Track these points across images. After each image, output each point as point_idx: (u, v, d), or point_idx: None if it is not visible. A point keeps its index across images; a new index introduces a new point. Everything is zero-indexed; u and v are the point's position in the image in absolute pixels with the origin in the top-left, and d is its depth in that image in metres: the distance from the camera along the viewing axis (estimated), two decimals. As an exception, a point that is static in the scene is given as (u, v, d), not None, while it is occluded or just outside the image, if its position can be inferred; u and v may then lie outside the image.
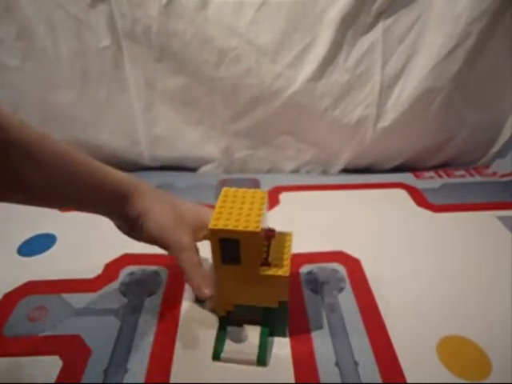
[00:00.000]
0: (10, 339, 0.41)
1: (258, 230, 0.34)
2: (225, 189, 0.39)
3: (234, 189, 0.39)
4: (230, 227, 0.34)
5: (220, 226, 0.34)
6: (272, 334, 0.41)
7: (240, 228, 0.34)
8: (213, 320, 0.43)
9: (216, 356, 0.39)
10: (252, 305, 0.39)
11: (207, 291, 0.39)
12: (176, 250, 0.39)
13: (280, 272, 0.37)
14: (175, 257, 0.39)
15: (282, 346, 0.40)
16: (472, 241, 0.55)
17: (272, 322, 0.40)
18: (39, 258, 0.52)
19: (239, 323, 0.41)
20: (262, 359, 0.38)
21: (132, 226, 0.40)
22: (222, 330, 0.41)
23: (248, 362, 0.38)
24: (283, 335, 0.41)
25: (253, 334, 0.41)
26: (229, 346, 0.40)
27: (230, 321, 0.41)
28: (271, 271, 0.37)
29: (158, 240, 0.39)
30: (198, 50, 0.62)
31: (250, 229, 0.34)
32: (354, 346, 0.40)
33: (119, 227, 0.41)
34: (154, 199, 0.40)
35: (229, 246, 0.35)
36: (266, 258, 0.38)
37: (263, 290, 0.38)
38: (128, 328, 0.42)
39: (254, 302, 0.39)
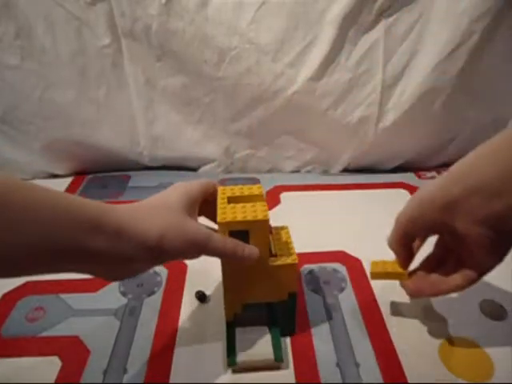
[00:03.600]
0: (9, 340, 0.41)
1: (268, 217, 0.34)
2: (220, 188, 0.39)
3: (229, 187, 0.39)
4: (239, 218, 0.34)
5: (229, 219, 0.34)
6: (282, 331, 0.40)
7: (249, 218, 0.34)
8: (213, 319, 0.43)
9: (232, 363, 0.37)
10: (261, 302, 0.39)
11: (253, 250, 0.34)
12: (204, 242, 0.32)
13: (289, 260, 0.37)
14: (204, 249, 0.32)
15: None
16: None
17: (281, 318, 0.40)
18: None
19: (247, 325, 0.40)
20: (278, 357, 0.38)
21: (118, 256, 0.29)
22: (231, 335, 0.40)
23: (266, 363, 0.38)
24: (292, 330, 0.41)
25: (262, 334, 0.40)
26: (241, 350, 0.38)
27: (237, 324, 0.40)
28: (280, 261, 0.37)
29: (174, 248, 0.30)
30: (199, 50, 0.62)
31: (260, 217, 0.34)
32: (355, 347, 0.40)
33: (105, 272, 0.31)
34: (133, 207, 0.31)
35: (238, 239, 0.35)
36: (270, 250, 0.38)
37: (273, 282, 0.37)
38: (127, 328, 0.42)
39: (263, 298, 0.39)
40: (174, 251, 0.31)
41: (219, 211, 0.35)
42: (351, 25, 0.61)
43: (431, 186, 0.33)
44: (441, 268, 0.38)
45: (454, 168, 0.33)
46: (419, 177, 0.71)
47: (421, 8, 0.60)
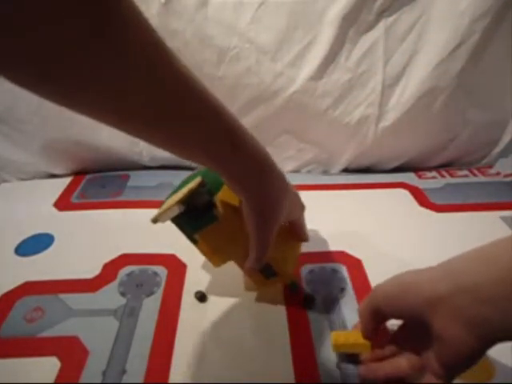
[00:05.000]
0: (8, 340, 0.41)
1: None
2: None
3: None
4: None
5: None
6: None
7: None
8: (213, 319, 0.42)
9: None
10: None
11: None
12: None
13: None
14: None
15: (282, 347, 0.40)
16: (475, 241, 0.54)
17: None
18: (37, 257, 0.52)
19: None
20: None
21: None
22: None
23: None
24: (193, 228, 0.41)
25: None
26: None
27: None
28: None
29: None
30: (198, 49, 0.61)
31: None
32: (356, 348, 0.40)
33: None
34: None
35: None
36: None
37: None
38: (127, 329, 0.42)
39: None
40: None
41: None
42: (351, 25, 0.61)
43: (419, 274, 0.32)
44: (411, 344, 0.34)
45: (444, 264, 0.31)
46: (419, 177, 0.70)
47: (421, 8, 0.60)
